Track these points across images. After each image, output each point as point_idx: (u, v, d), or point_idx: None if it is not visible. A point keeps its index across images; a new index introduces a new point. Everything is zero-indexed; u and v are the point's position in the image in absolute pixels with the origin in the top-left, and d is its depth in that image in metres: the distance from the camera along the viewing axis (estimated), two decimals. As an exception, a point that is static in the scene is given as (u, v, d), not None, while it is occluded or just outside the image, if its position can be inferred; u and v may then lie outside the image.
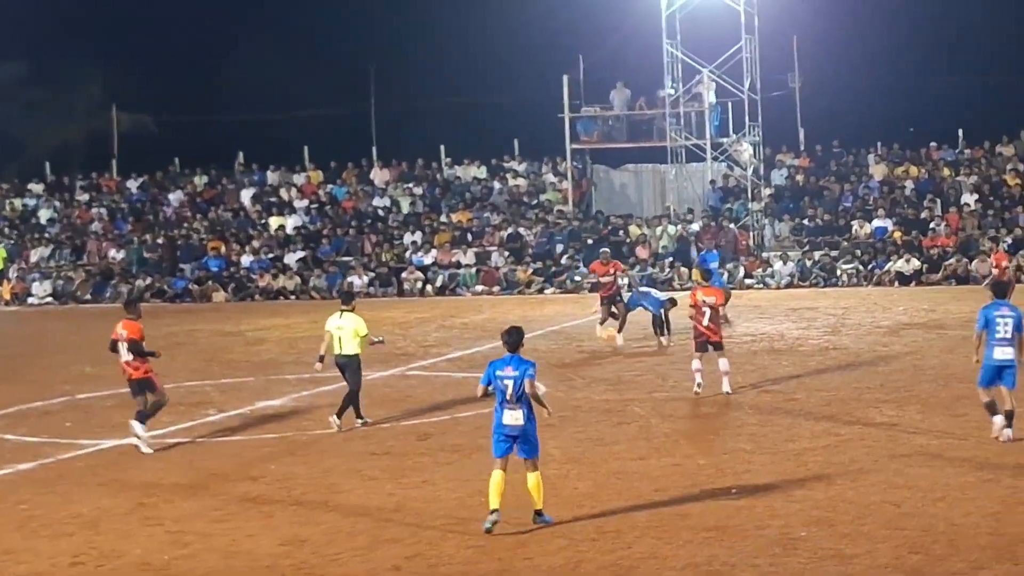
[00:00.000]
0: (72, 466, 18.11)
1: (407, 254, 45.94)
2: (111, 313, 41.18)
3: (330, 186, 51.06)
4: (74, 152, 63.54)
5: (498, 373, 13.90)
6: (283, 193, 51.12)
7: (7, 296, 46.73)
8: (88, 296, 46.31)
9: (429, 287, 44.12)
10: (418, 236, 46.70)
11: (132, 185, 53.26)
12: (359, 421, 19.89)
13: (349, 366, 19.93)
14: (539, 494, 13.80)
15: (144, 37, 61.87)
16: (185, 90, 60.95)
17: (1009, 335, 17.04)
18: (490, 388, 14.03)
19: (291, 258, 46.53)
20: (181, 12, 61.32)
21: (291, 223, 48.76)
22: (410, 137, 53.23)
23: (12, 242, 49.71)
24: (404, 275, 44.66)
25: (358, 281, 43.85)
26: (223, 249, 47.51)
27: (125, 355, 19.29)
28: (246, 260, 46.70)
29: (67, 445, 19.48)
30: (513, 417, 13.77)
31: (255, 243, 47.60)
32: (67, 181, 54.61)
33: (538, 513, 13.83)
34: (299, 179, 51.75)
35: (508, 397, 13.79)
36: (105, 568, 13.13)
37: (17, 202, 53.32)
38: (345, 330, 19.93)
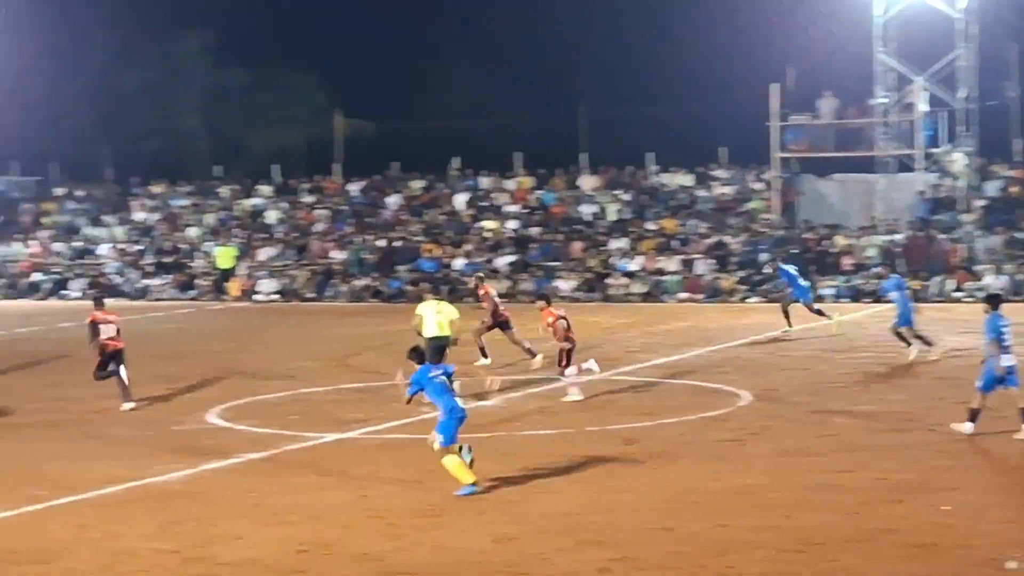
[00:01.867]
0: (296, 457, 18.94)
1: (613, 260, 46.58)
2: (332, 311, 43.00)
3: (540, 192, 51.88)
4: (299, 156, 65.72)
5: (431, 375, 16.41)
6: (495, 198, 52.21)
7: (236, 293, 48.62)
8: (310, 294, 48.06)
9: (634, 293, 44.66)
10: (624, 242, 47.27)
11: (353, 188, 54.81)
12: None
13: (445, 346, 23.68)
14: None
15: (364, 46, 63.60)
16: (404, 97, 62.60)
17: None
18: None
19: (501, 261, 47.53)
20: (399, 21, 62.89)
21: (503, 227, 49.76)
22: (618, 144, 53.74)
23: (242, 241, 51.71)
24: (609, 280, 45.32)
25: (564, 285, 44.72)
26: (437, 251, 48.83)
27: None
28: (458, 263, 47.89)
29: (292, 437, 20.33)
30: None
31: (467, 247, 48.76)
32: (292, 183, 56.51)
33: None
34: (510, 184, 52.67)
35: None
36: (327, 557, 13.66)
37: (247, 203, 55.38)
38: (444, 315, 24.57)
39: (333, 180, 56.23)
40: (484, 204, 51.90)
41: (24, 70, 65.47)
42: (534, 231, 49.42)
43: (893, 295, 28.41)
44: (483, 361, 27.73)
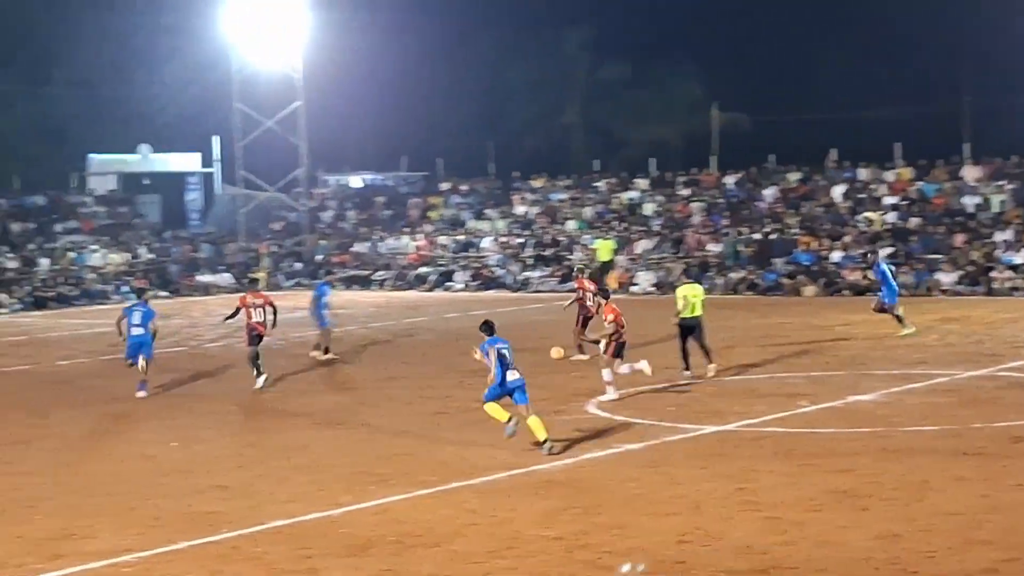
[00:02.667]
0: (675, 448, 19.10)
1: (997, 252, 44.96)
2: (708, 303, 42.96)
3: (920, 183, 50.59)
4: (676, 149, 66.16)
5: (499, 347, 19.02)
6: (873, 189, 51.18)
7: (614, 285, 49.27)
8: (684, 288, 48.22)
9: (1019, 287, 43.02)
10: (1009, 234, 45.58)
11: (729, 181, 54.75)
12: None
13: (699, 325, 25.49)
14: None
15: (741, 39, 63.48)
16: (780, 89, 62.13)
17: None
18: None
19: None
20: (775, 14, 62.43)
21: (882, 219, 48.77)
22: (1005, 134, 51.87)
23: (619, 234, 52.38)
24: (993, 274, 43.77)
25: (945, 278, 43.47)
26: (814, 244, 48.26)
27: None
28: (836, 255, 47.18)
29: (671, 428, 20.55)
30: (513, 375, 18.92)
31: (845, 239, 47.99)
32: (668, 177, 56.87)
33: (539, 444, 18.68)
34: (889, 176, 51.54)
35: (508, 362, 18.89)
36: (709, 548, 13.71)
37: (624, 196, 56.07)
38: (696, 296, 25.93)
39: (709, 173, 56.33)
40: (862, 196, 50.97)
41: (411, 69, 68.32)
42: (913, 223, 48.23)
43: None
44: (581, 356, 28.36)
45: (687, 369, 25.63)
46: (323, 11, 58.94)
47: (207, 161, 67.52)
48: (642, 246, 51.45)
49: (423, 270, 54.77)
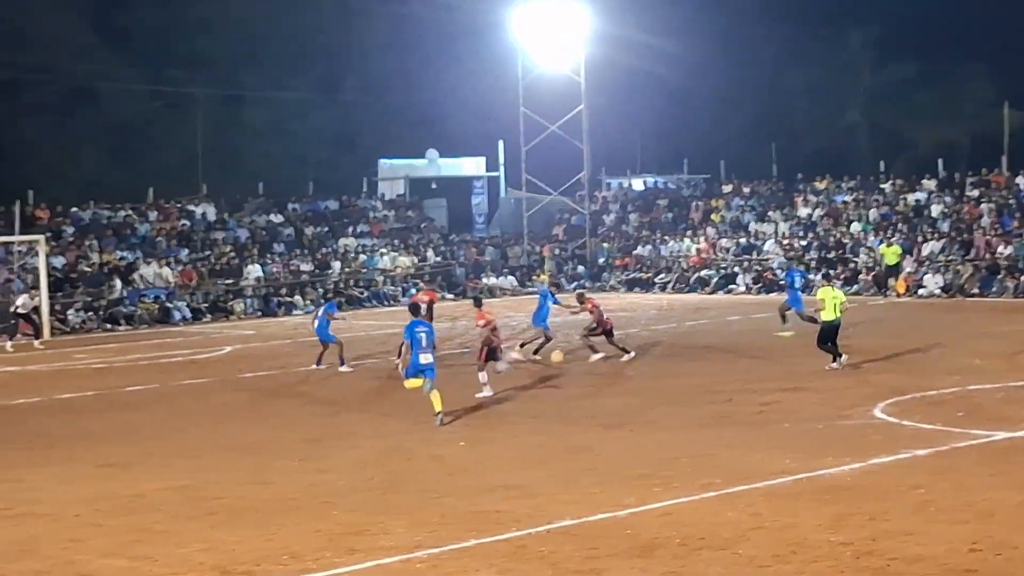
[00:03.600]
0: (965, 455, 18.73)
1: None
2: (999, 307, 42.01)
3: None
4: (964, 149, 64.51)
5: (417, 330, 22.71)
6: None
7: (901, 289, 48.46)
8: (975, 290, 47.07)
9: None
10: None
11: (1021, 181, 53.04)
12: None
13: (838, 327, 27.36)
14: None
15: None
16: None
17: None
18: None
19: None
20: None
21: None
22: None
23: (905, 236, 51.37)
24: None
25: None
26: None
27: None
28: None
29: (959, 434, 20.14)
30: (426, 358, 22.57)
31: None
32: (957, 177, 55.50)
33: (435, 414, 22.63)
34: None
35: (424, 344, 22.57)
36: (1001, 558, 13.45)
37: (910, 197, 54.95)
38: (837, 299, 27.40)
39: (1000, 174, 54.72)
40: None
41: (693, 71, 68.35)
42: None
43: None
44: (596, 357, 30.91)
45: (840, 355, 27.60)
46: (605, 14, 59.37)
47: (492, 165, 68.86)
48: (929, 248, 50.31)
49: (705, 273, 54.72)
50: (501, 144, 67.25)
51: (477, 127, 67.20)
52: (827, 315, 27.35)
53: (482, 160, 69.06)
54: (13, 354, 39.16)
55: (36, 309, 42.62)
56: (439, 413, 22.65)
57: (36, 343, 41.08)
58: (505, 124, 63.23)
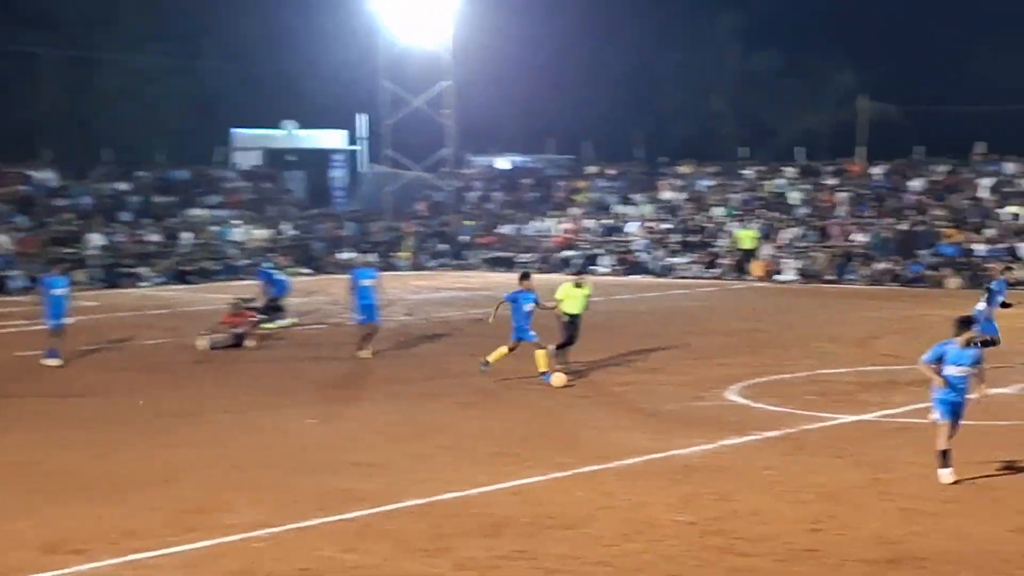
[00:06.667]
0: (813, 437, 19.04)
1: None
2: (852, 293, 42.76)
3: (1070, 177, 49.58)
4: (824, 138, 65.50)
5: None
6: (1021, 183, 50.21)
7: (759, 273, 49.11)
8: (831, 276, 47.85)
9: None
10: None
11: (876, 171, 54.10)
12: None
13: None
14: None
15: (893, 29, 62.63)
16: (930, 80, 61.18)
17: None
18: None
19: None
20: (928, 4, 61.55)
21: (1024, 212, 48.02)
22: None
23: (765, 222, 52.04)
24: None
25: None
26: (959, 237, 47.51)
27: None
28: (980, 248, 46.47)
29: (810, 417, 20.48)
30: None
31: (989, 232, 47.21)
32: (816, 166, 56.37)
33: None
34: (1038, 169, 50.68)
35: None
36: (842, 537, 13.67)
37: (771, 184, 55.68)
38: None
39: (856, 163, 55.67)
40: (1008, 190, 50.03)
41: (561, 52, 68.41)
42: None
43: None
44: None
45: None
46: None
47: (353, 139, 68.23)
48: (788, 235, 51.02)
49: (567, 253, 54.90)
50: (364, 118, 66.63)
51: (338, 99, 66.46)
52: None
53: (343, 133, 68.37)
54: None
55: None
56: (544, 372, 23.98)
57: None
58: (368, 98, 62.73)
